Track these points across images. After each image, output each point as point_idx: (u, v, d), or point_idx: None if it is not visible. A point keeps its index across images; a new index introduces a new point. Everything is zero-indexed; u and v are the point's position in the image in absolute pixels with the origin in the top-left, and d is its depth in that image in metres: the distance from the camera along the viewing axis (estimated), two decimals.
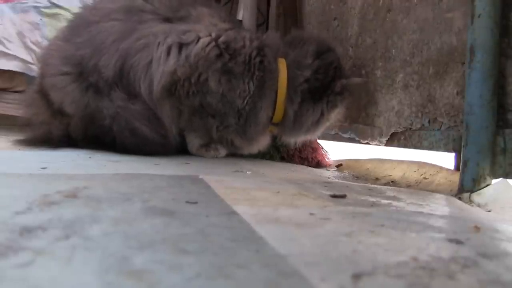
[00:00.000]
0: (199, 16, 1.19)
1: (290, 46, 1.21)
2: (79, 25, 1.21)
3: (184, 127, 1.20)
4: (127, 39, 1.12)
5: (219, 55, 1.10)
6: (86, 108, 1.11)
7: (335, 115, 1.23)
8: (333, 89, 1.18)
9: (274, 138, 1.31)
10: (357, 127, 1.31)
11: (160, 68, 1.09)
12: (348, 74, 1.26)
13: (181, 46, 1.10)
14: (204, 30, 1.12)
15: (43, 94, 1.19)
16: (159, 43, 1.10)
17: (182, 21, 1.17)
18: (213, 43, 1.10)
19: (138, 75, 1.11)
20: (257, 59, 1.13)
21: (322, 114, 1.19)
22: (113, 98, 1.11)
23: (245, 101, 1.14)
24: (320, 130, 1.24)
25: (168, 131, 1.16)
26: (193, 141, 1.23)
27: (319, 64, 1.17)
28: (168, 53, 1.10)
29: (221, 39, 1.11)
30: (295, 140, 1.27)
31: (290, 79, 1.16)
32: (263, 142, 1.25)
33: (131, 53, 1.11)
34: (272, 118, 1.19)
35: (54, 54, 1.19)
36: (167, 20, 1.18)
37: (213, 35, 1.11)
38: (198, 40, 1.10)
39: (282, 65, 1.16)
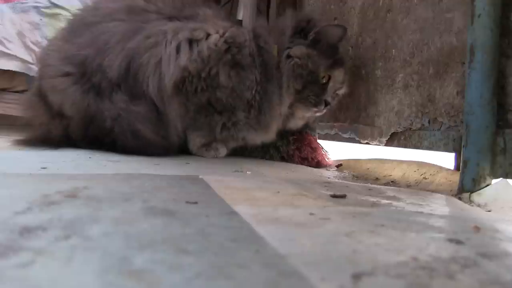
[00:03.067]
0: (205, 16, 1.21)
1: (274, 27, 1.29)
2: (80, 25, 1.21)
3: (188, 126, 1.20)
4: (133, 38, 1.13)
5: (228, 49, 1.14)
6: (87, 110, 1.11)
7: (302, 54, 1.19)
8: (304, 37, 1.21)
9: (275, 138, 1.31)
10: (357, 127, 1.31)
11: (172, 63, 1.10)
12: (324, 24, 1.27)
13: (191, 42, 1.12)
14: (211, 28, 1.16)
15: (42, 96, 1.18)
16: (168, 40, 1.11)
17: (189, 20, 1.19)
18: (222, 39, 1.14)
19: (147, 73, 1.11)
20: (255, 47, 1.18)
21: (287, 56, 1.20)
22: (114, 100, 1.10)
23: (254, 91, 1.17)
24: (291, 73, 1.19)
25: (170, 132, 1.16)
26: (195, 140, 1.23)
27: (297, 20, 1.23)
28: (178, 49, 1.11)
29: (227, 34, 1.15)
30: (286, 103, 1.24)
31: (279, 49, 1.20)
32: (276, 127, 1.26)
33: (139, 52, 1.11)
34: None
35: (54, 55, 1.18)
36: (173, 19, 1.19)
37: (220, 32, 1.15)
38: (208, 37, 1.13)
39: (274, 48, 1.21)
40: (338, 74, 1.24)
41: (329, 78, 1.23)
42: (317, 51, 1.20)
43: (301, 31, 1.22)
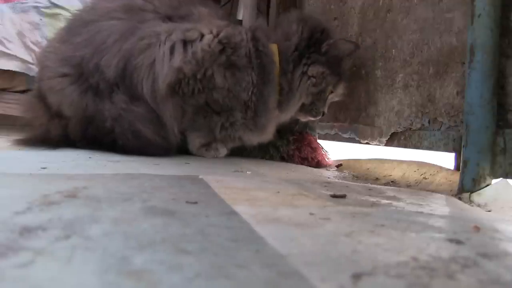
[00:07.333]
0: (200, 15, 1.20)
1: (276, 27, 1.29)
2: (77, 25, 1.20)
3: (187, 127, 1.20)
4: (129, 39, 1.12)
5: (222, 50, 1.12)
6: (85, 110, 1.11)
7: (318, 73, 1.21)
8: (318, 49, 1.22)
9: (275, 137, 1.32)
10: (357, 127, 1.31)
11: (166, 65, 1.09)
12: (336, 36, 1.28)
13: (185, 43, 1.11)
14: (205, 28, 1.14)
15: (41, 98, 1.18)
16: (161, 42, 1.11)
17: (184, 20, 1.18)
18: (216, 39, 1.12)
19: (141, 76, 1.11)
20: (253, 48, 1.17)
21: (303, 72, 1.21)
22: (115, 100, 1.10)
23: (251, 93, 1.16)
24: (304, 91, 1.22)
25: (169, 132, 1.16)
26: (194, 141, 1.23)
27: (304, 28, 1.23)
28: (172, 50, 1.10)
29: (222, 35, 1.13)
30: (290, 113, 1.28)
31: (282, 53, 1.21)
32: (272, 129, 1.26)
33: (134, 54, 1.10)
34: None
35: (51, 56, 1.18)
36: (168, 18, 1.18)
37: (214, 31, 1.13)
38: (202, 37, 1.12)
39: (274, 48, 1.21)
40: (340, 88, 1.29)
41: (331, 92, 1.27)
42: (329, 68, 1.22)
43: (316, 42, 1.22)
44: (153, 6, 1.20)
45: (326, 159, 1.40)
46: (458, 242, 0.45)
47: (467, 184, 0.84)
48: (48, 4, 1.73)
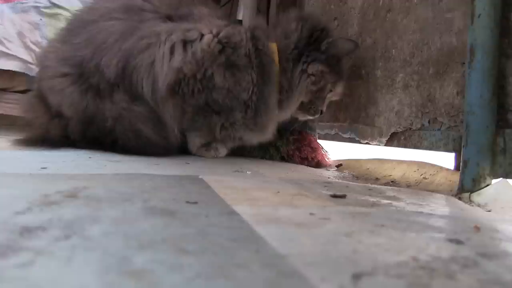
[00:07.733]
0: (200, 14, 1.20)
1: (275, 25, 1.29)
2: (77, 25, 1.20)
3: (187, 127, 1.20)
4: (129, 39, 1.12)
5: (222, 50, 1.12)
6: (85, 111, 1.11)
7: (317, 72, 1.21)
8: (318, 47, 1.22)
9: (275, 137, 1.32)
10: (357, 127, 1.31)
11: (165, 65, 1.09)
12: (336, 35, 1.29)
13: (185, 43, 1.11)
14: (205, 27, 1.14)
15: (41, 98, 1.18)
16: (161, 42, 1.11)
17: (184, 20, 1.18)
18: (216, 39, 1.12)
19: (141, 76, 1.11)
20: (253, 48, 1.17)
21: (302, 70, 1.21)
22: (115, 100, 1.10)
23: (251, 92, 1.16)
24: (303, 89, 1.22)
25: (169, 132, 1.16)
26: (194, 141, 1.23)
27: (303, 26, 1.23)
28: (172, 51, 1.10)
29: (221, 34, 1.13)
30: (290, 112, 1.29)
31: (281, 51, 1.21)
32: (273, 129, 1.27)
33: (133, 54, 1.10)
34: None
35: (51, 56, 1.18)
36: (168, 18, 1.18)
37: (214, 31, 1.14)
38: (202, 37, 1.12)
39: (273, 47, 1.21)
40: (340, 87, 1.29)
41: (330, 90, 1.28)
42: (329, 67, 1.22)
43: (315, 40, 1.22)
44: (153, 6, 1.20)
45: (326, 159, 1.40)
46: (458, 242, 0.45)
47: (467, 184, 0.84)
48: (48, 4, 1.73)
